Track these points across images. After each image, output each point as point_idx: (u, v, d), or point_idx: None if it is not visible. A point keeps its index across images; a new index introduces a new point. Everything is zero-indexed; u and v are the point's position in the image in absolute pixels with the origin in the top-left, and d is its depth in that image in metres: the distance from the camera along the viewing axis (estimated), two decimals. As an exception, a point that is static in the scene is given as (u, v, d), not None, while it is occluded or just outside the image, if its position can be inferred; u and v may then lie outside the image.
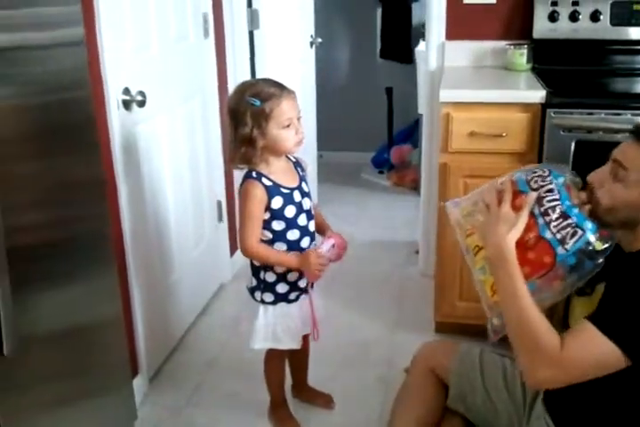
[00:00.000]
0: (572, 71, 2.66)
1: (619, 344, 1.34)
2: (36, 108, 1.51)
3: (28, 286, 1.48)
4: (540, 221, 1.40)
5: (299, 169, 1.95)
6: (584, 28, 2.65)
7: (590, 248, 1.37)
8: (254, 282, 1.98)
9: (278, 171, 1.87)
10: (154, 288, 2.39)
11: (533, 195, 1.42)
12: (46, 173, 1.55)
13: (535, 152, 2.30)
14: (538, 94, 2.27)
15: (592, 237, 1.37)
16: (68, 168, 1.63)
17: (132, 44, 2.19)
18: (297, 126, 1.81)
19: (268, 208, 1.85)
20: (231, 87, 3.04)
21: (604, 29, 2.65)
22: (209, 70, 2.86)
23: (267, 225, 1.87)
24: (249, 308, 2.00)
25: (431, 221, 2.95)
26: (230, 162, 1.88)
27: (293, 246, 1.90)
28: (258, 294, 1.96)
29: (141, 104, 2.16)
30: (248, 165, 1.84)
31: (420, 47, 3.86)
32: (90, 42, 1.88)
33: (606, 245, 1.38)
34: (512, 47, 2.71)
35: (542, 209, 1.40)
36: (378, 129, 4.77)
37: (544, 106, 2.25)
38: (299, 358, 2.20)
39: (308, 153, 3.97)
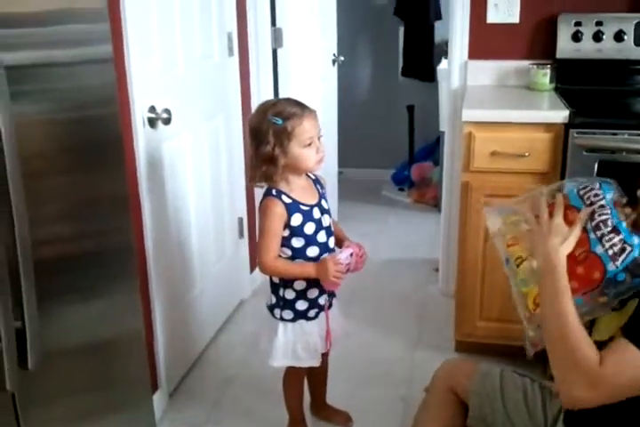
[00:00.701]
0: (595, 91, 2.66)
1: None
2: (63, 125, 1.53)
3: (52, 299, 1.49)
4: (592, 235, 1.39)
5: (318, 186, 1.97)
6: (608, 48, 2.65)
7: (637, 264, 1.36)
8: (274, 299, 1.98)
9: (298, 188, 1.88)
10: (175, 303, 2.40)
11: (588, 210, 1.41)
12: (73, 187, 1.57)
13: (558, 172, 2.29)
14: (561, 114, 2.26)
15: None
16: (93, 184, 1.65)
17: (159, 63, 2.22)
18: (318, 145, 1.83)
19: (287, 225, 1.86)
20: (254, 105, 3.07)
21: (629, 49, 2.64)
22: (233, 88, 2.90)
23: (286, 242, 1.88)
24: (268, 325, 2.00)
25: (452, 239, 2.94)
26: (251, 180, 1.89)
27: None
28: (277, 312, 1.97)
29: (167, 122, 2.18)
30: (268, 183, 1.86)
31: (443, 65, 3.89)
32: (117, 59, 1.91)
33: None
34: (535, 67, 2.71)
35: (594, 224, 1.39)
36: (399, 146, 4.78)
37: (567, 126, 2.24)
38: (318, 376, 2.20)
39: (329, 170, 3.99)
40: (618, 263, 1.36)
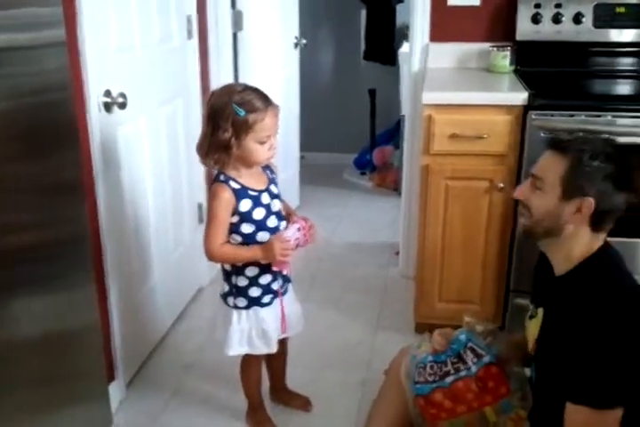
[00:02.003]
0: (554, 73, 2.66)
1: (616, 405, 1.37)
2: (15, 110, 1.48)
3: (8, 290, 1.46)
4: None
5: (267, 171, 1.95)
6: (567, 31, 2.65)
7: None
8: (226, 287, 1.96)
9: (246, 174, 1.87)
10: (132, 292, 2.36)
11: None
12: (25, 175, 1.53)
13: (517, 154, 2.30)
14: (520, 96, 2.27)
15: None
16: (47, 170, 1.61)
17: (115, 46, 2.16)
18: (272, 143, 1.82)
19: (236, 211, 1.84)
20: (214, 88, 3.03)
21: (587, 31, 2.65)
22: (192, 72, 2.84)
23: (236, 228, 1.86)
24: (222, 314, 1.98)
25: (412, 222, 2.94)
26: (203, 157, 1.85)
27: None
28: (231, 300, 1.95)
29: (122, 106, 2.13)
30: (218, 167, 1.85)
31: (404, 49, 3.87)
32: (71, 43, 1.85)
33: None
34: (495, 49, 2.71)
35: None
36: (360, 130, 4.76)
37: (526, 108, 2.25)
38: (276, 361, 2.19)
39: (291, 154, 3.96)
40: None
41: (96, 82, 2.02)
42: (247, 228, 1.86)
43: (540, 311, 1.57)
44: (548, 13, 2.65)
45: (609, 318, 1.38)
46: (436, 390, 1.68)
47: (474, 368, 1.65)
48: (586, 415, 1.38)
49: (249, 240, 1.87)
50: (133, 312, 2.37)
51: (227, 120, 1.75)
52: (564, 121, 2.21)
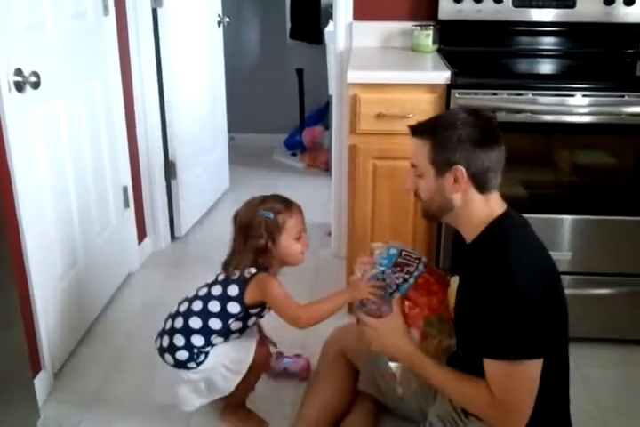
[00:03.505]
0: (476, 52, 2.70)
1: (532, 356, 1.43)
2: None
3: None
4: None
5: None
6: (487, 10, 2.67)
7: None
8: (186, 356, 1.89)
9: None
10: (56, 279, 2.29)
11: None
12: None
13: (442, 133, 2.32)
14: (443, 75, 2.28)
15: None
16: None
17: (24, 22, 2.06)
18: (304, 238, 1.91)
19: (260, 304, 1.89)
20: (134, 67, 2.95)
21: (507, 11, 2.68)
22: (110, 50, 2.74)
23: (243, 317, 1.88)
24: (189, 379, 1.92)
25: (343, 202, 2.94)
26: (234, 268, 1.87)
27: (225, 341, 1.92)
28: (193, 364, 1.90)
29: (35, 86, 2.04)
30: (259, 270, 1.87)
31: (329, 28, 3.84)
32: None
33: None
34: (418, 28, 2.71)
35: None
36: (290, 111, 4.73)
37: (449, 86, 2.27)
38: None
39: (219, 135, 3.90)
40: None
41: (5, 60, 1.93)
42: (240, 324, 1.89)
43: (456, 279, 1.61)
44: (469, -8, 2.67)
45: (507, 279, 1.44)
46: (408, 291, 1.71)
47: (421, 267, 1.72)
48: (500, 368, 1.44)
49: (223, 333, 1.89)
50: (59, 299, 2.30)
51: (259, 227, 1.84)
52: (486, 99, 2.24)
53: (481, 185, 1.53)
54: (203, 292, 1.91)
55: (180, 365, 1.90)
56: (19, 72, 1.99)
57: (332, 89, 3.21)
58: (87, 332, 2.54)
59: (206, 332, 1.87)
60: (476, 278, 1.49)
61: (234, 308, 1.86)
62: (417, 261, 1.74)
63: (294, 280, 2.96)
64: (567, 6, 2.65)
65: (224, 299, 1.87)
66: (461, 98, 2.24)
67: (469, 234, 1.58)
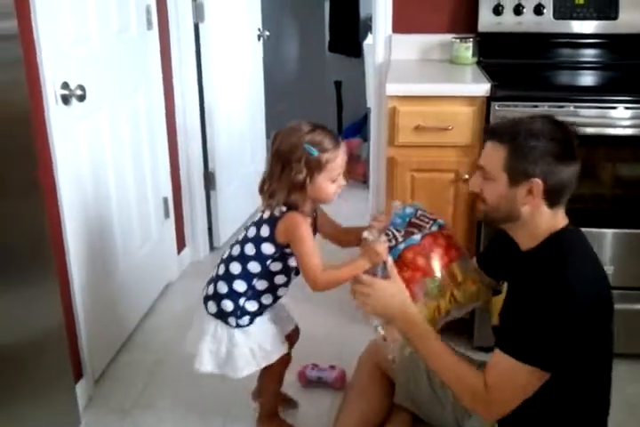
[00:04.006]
0: (516, 64, 2.68)
1: (536, 365, 1.41)
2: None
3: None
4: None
5: (316, 222, 1.90)
6: (528, 22, 2.67)
7: None
8: (229, 307, 1.84)
9: (308, 215, 1.82)
10: (98, 289, 2.33)
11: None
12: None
13: (481, 145, 2.29)
14: (483, 88, 2.28)
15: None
16: (2, 167, 1.57)
17: (71, 37, 2.12)
18: (341, 180, 1.79)
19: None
20: (176, 81, 3.00)
21: (548, 23, 2.67)
22: (153, 63, 2.80)
23: (281, 258, 1.81)
24: (217, 336, 1.88)
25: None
26: (269, 199, 1.77)
27: (270, 289, 1.85)
28: (233, 320, 1.85)
29: (81, 99, 2.09)
30: (290, 208, 1.77)
31: (368, 41, 3.86)
32: (25, 35, 1.81)
33: None
34: (458, 41, 2.72)
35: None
36: (327, 123, 4.68)
37: (489, 99, 2.26)
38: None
39: (258, 147, 3.94)
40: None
41: (52, 74, 1.98)
42: (280, 264, 1.81)
43: (505, 286, 1.59)
44: (509, 5, 2.67)
45: (566, 290, 1.41)
46: (405, 250, 1.67)
47: (434, 227, 1.69)
48: (508, 361, 1.42)
49: (264, 276, 1.82)
50: (100, 309, 2.34)
51: (299, 161, 1.71)
52: (527, 112, 2.22)
53: (553, 200, 1.49)
54: (241, 235, 1.86)
55: (221, 315, 1.85)
56: (65, 85, 2.05)
57: (371, 101, 3.23)
58: (127, 340, 2.57)
59: (247, 276, 1.81)
60: (531, 285, 1.45)
61: (268, 249, 1.79)
62: (431, 222, 1.69)
63: (331, 292, 2.97)
64: (609, 18, 2.63)
65: (258, 240, 1.79)
66: (501, 110, 2.23)
67: (527, 242, 1.54)
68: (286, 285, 1.88)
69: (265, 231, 1.78)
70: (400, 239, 1.69)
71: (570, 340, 1.40)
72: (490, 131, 1.55)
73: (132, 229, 2.62)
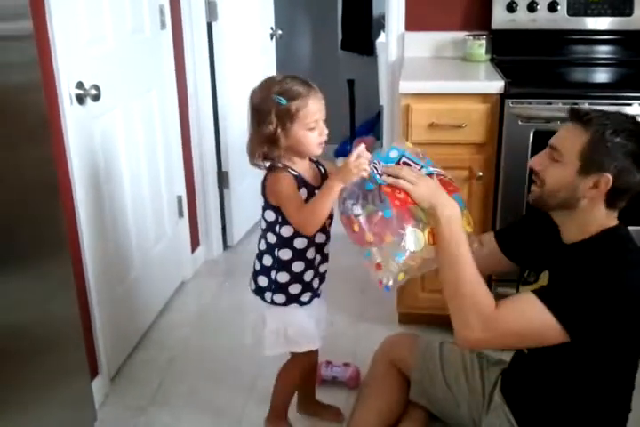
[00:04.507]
0: (530, 61, 2.67)
1: (559, 317, 1.37)
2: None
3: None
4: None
5: (320, 167, 1.84)
6: (542, 19, 2.66)
7: None
8: (264, 282, 1.84)
9: (301, 166, 1.75)
10: (113, 286, 2.34)
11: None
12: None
13: (495, 142, 2.31)
14: (496, 85, 2.27)
15: None
16: (20, 166, 1.58)
17: (86, 37, 2.14)
18: (321, 128, 1.71)
19: None
20: (190, 81, 3.02)
21: (562, 19, 2.66)
22: (166, 63, 2.81)
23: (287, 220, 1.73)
24: (256, 311, 1.88)
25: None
26: (251, 158, 1.75)
27: (296, 256, 1.79)
28: (268, 295, 1.83)
29: (96, 98, 2.11)
30: (269, 161, 1.74)
31: (381, 39, 3.85)
32: (40, 35, 1.83)
33: None
34: (471, 38, 2.71)
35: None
36: (340, 121, 4.75)
37: (503, 96, 2.25)
38: (311, 368, 2.07)
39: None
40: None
41: (67, 74, 2.00)
42: (291, 227, 1.73)
43: (544, 275, 1.54)
44: (523, 1, 2.65)
45: (621, 278, 1.39)
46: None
47: (423, 170, 1.59)
48: (531, 301, 1.39)
49: (283, 244, 1.76)
50: (115, 306, 2.36)
51: (269, 113, 1.66)
52: (541, 109, 2.22)
53: (613, 201, 1.47)
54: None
55: (258, 291, 1.85)
56: (80, 85, 2.06)
57: (383, 99, 3.22)
58: (142, 338, 2.59)
59: (270, 248, 1.79)
60: (585, 278, 1.41)
61: (270, 215, 1.75)
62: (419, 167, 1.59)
63: (345, 289, 2.99)
64: (624, 14, 2.61)
65: (263, 209, 1.77)
66: (515, 107, 2.23)
67: (575, 234, 1.50)
68: (313, 247, 1.79)
69: (263, 199, 1.77)
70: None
71: (608, 319, 1.38)
72: (577, 114, 1.47)
73: (147, 227, 2.64)
